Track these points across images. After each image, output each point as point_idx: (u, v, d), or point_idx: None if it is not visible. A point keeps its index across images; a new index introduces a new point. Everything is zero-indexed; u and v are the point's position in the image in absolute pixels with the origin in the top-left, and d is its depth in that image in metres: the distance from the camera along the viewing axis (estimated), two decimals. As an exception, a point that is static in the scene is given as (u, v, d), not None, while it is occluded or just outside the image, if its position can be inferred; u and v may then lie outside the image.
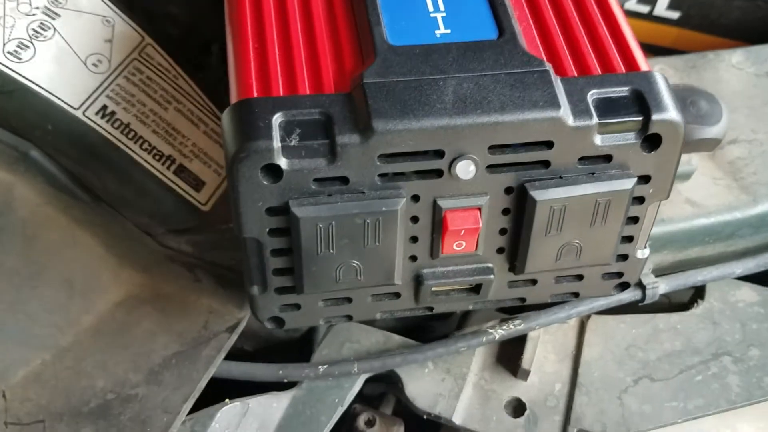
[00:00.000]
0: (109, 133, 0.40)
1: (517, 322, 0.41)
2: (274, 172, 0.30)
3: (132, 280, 0.41)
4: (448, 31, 0.33)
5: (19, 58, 0.40)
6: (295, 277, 0.33)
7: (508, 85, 0.31)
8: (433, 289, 0.35)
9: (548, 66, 0.31)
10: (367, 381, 0.43)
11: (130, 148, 0.41)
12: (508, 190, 0.32)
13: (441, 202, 0.32)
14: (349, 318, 0.36)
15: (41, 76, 0.40)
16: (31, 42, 0.40)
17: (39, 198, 0.40)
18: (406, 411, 0.45)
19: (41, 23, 0.41)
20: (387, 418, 0.43)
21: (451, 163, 0.31)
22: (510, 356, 0.42)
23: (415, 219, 0.32)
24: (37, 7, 0.41)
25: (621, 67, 0.33)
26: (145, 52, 0.43)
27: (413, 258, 0.34)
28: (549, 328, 0.43)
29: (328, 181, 0.30)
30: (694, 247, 0.45)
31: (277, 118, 0.30)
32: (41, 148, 0.40)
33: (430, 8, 0.34)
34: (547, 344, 0.43)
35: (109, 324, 0.40)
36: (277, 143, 0.29)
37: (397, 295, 0.36)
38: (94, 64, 0.41)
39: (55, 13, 0.41)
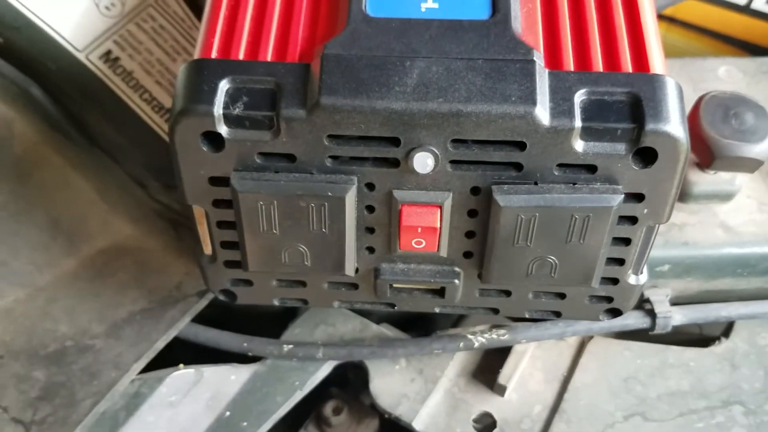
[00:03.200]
0: (110, 79, 0.40)
1: (501, 332, 0.38)
2: (215, 140, 0.28)
3: (119, 230, 0.41)
4: (436, 5, 0.30)
5: (32, -5, 0.39)
6: (241, 253, 0.31)
7: (482, 73, 0.27)
8: (394, 285, 0.33)
9: (537, 55, 0.28)
10: (351, 367, 0.41)
11: (129, 97, 0.40)
12: (474, 191, 0.29)
13: (398, 194, 0.29)
14: (305, 302, 0.34)
15: (50, 15, 0.39)
16: (47, -21, 0.40)
17: (36, 136, 0.40)
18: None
19: (61, -39, 0.41)
20: (360, 409, 0.41)
21: (408, 154, 0.28)
22: (492, 368, 0.39)
23: (370, 208, 0.30)
24: (59, -56, 0.41)
25: (628, 66, 0.28)
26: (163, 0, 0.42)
27: (371, 249, 0.31)
28: (544, 343, 0.40)
29: (274, 157, 0.28)
30: (723, 278, 0.39)
31: (225, 84, 0.28)
32: (43, 86, 0.40)
33: (424, -20, 0.31)
34: (536, 360, 0.39)
35: (88, 270, 0.40)
36: (218, 110, 0.27)
37: (355, 286, 0.33)
38: (107, 7, 0.40)
39: (74, -47, 0.41)
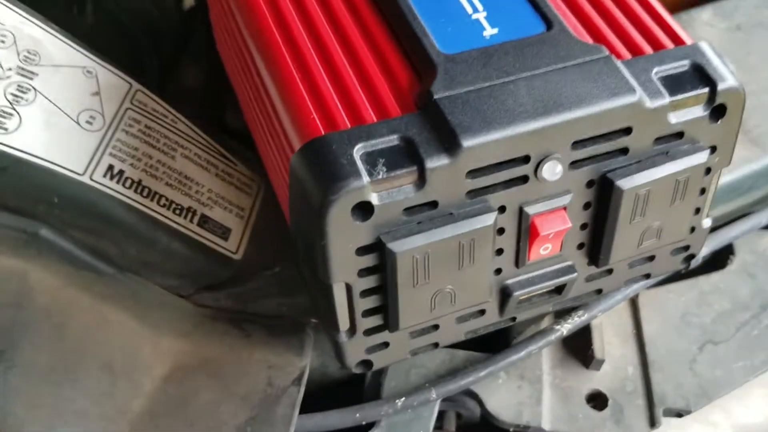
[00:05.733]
0: (123, 194, 0.36)
1: (580, 313, 0.40)
2: (364, 209, 0.27)
3: (174, 349, 0.37)
4: (496, 30, 0.31)
5: (6, 129, 0.35)
6: (390, 315, 0.31)
7: (578, 77, 0.29)
8: (521, 298, 0.34)
9: (607, 51, 0.31)
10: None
11: (148, 207, 0.37)
12: (589, 184, 0.31)
13: (527, 209, 0.30)
14: (436, 345, 0.34)
15: (34, 145, 0.35)
16: (13, 108, 0.36)
17: (57, 281, 0.35)
18: (467, 426, 0.43)
19: (18, 86, 0.36)
20: (458, 436, 0.42)
21: (537, 167, 0.29)
22: (575, 348, 0.42)
23: (501, 231, 0.31)
24: (10, 68, 0.37)
25: (668, 43, 0.32)
26: (137, 99, 0.39)
27: (498, 271, 0.32)
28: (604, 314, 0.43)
29: (417, 208, 0.28)
30: (718, 207, 0.45)
31: (357, 151, 0.27)
32: (50, 224, 0.36)
33: (469, 10, 0.32)
34: (606, 328, 0.42)
35: (164, 403, 0.36)
36: (366, 178, 0.27)
37: (482, 312, 0.34)
38: (88, 122, 0.37)
39: (32, 72, 0.37)
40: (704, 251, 0.44)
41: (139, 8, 0.50)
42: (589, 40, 0.32)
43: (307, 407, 0.38)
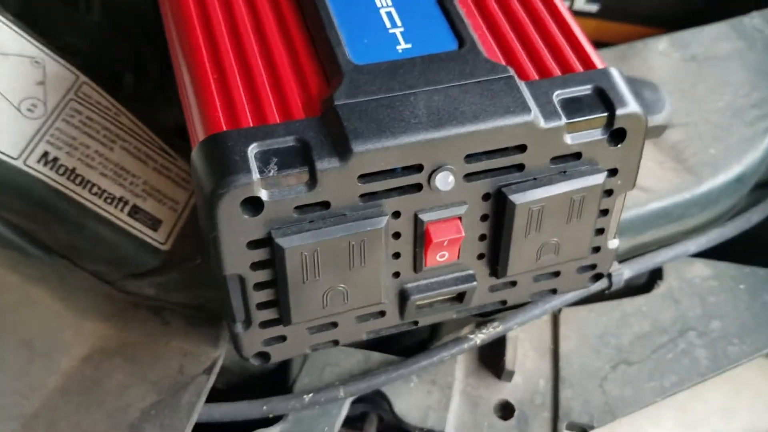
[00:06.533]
0: (55, 180, 0.38)
1: (495, 324, 0.41)
2: (254, 204, 0.29)
3: (95, 333, 0.39)
4: (409, 45, 0.33)
5: (-54, 111, 0.37)
6: (282, 309, 0.32)
7: (477, 94, 0.31)
8: (418, 303, 0.35)
9: (512, 71, 0.32)
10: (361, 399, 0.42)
11: (79, 195, 0.38)
12: (485, 197, 0.32)
13: (422, 216, 0.32)
14: (336, 343, 0.36)
15: (-28, 128, 0.37)
16: (-43, 92, 0.38)
17: (-16, 259, 0.37)
18: (389, 428, 0.44)
19: (-35, 71, 0.38)
20: (373, 438, 0.43)
21: (430, 176, 0.31)
22: (491, 359, 0.43)
23: (396, 235, 0.32)
24: (-42, 55, 0.39)
25: (578, 66, 0.33)
26: (82, 92, 0.41)
27: (396, 274, 0.34)
28: (524, 326, 0.44)
29: (309, 207, 0.30)
30: (648, 231, 0.46)
31: (252, 150, 0.29)
32: (-20, 204, 0.37)
33: (388, 24, 0.34)
34: (524, 342, 0.43)
35: (77, 382, 0.37)
36: (255, 175, 0.28)
37: (382, 314, 0.35)
38: (29, 109, 0.39)
39: (-21, 59, 0.39)
40: (627, 274, 0.45)
41: (142, 10, 0.52)
42: (502, 60, 0.33)
43: (227, 399, 0.40)
